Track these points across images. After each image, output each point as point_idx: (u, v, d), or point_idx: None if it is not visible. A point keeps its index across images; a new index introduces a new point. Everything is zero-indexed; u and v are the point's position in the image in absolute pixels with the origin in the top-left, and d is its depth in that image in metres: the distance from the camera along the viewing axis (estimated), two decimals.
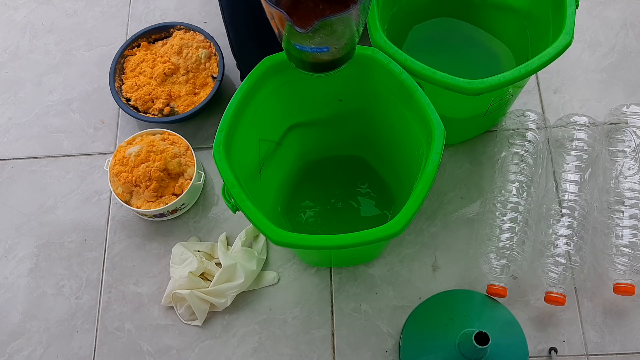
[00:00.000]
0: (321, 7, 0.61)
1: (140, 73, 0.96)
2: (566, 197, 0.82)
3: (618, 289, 0.78)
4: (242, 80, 0.70)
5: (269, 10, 0.56)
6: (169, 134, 0.92)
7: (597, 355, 0.80)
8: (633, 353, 0.80)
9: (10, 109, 1.02)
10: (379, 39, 0.71)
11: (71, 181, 0.96)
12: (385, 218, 0.87)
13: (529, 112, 0.87)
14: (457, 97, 0.70)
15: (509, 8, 0.86)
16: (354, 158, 0.90)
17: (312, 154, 0.88)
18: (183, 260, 0.86)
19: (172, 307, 0.86)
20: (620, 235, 0.79)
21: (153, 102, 0.95)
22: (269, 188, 0.82)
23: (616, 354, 0.80)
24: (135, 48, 0.99)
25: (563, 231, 0.80)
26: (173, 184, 0.88)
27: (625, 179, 0.82)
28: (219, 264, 0.86)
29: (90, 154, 0.98)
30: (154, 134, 0.92)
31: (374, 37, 0.71)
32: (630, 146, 0.84)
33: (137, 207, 0.87)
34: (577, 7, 0.71)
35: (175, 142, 0.91)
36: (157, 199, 0.87)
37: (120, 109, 0.97)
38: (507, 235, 0.80)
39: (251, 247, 0.88)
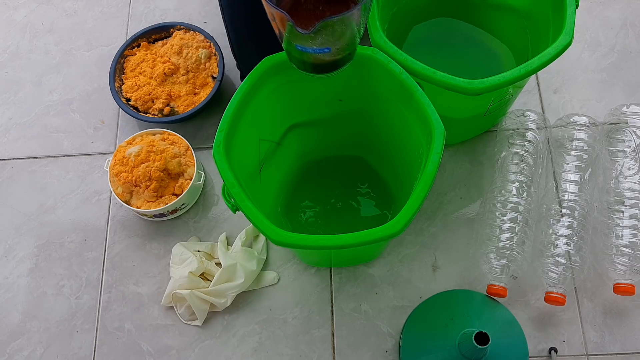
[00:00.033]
0: (321, 8, 0.61)
1: (140, 73, 0.96)
2: (566, 197, 0.82)
3: (618, 289, 0.78)
4: (242, 80, 0.70)
5: (271, 11, 0.56)
6: (169, 134, 0.92)
7: (597, 355, 0.80)
8: (633, 353, 0.80)
9: (10, 109, 1.02)
10: (379, 39, 0.71)
11: (71, 181, 0.96)
12: (385, 218, 0.87)
13: (529, 112, 0.87)
14: (457, 97, 0.70)
15: (509, 8, 0.86)
16: (354, 158, 0.90)
17: (312, 154, 0.88)
18: (183, 260, 0.86)
19: (172, 307, 0.86)
20: (620, 235, 0.79)
21: (153, 102, 0.95)
22: (269, 188, 0.82)
23: (616, 354, 0.80)
24: (135, 48, 0.99)
25: (563, 231, 0.80)
26: (173, 184, 0.88)
27: (625, 179, 0.82)
28: (219, 264, 0.86)
29: (90, 154, 0.98)
30: (154, 134, 0.92)
31: (374, 37, 0.71)
32: (630, 146, 0.84)
33: (137, 207, 0.87)
34: (577, 7, 0.71)
35: (175, 142, 0.91)
36: (157, 199, 0.87)
37: (120, 109, 0.97)
38: (507, 235, 0.80)
39: (251, 247, 0.88)
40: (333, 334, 0.83)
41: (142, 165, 0.86)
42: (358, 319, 0.84)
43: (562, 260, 0.79)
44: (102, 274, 0.89)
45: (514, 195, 0.82)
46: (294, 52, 0.62)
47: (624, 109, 0.87)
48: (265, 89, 0.70)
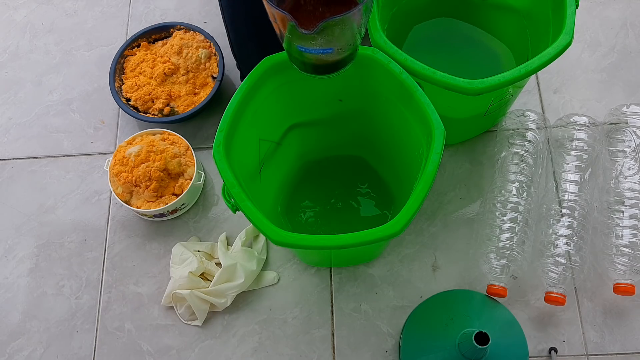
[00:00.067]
0: (320, 9, 0.61)
1: (140, 73, 0.96)
2: (566, 197, 0.82)
3: (618, 289, 0.78)
4: (242, 80, 0.70)
5: (272, 12, 0.56)
6: (169, 134, 0.92)
7: (597, 355, 0.80)
8: (633, 353, 0.80)
9: (10, 109, 1.02)
10: (379, 39, 0.71)
11: (71, 181, 0.96)
12: (385, 218, 0.87)
13: (529, 112, 0.87)
14: (457, 97, 0.70)
15: (509, 8, 0.86)
16: (354, 158, 0.90)
17: (312, 154, 0.88)
18: (183, 260, 0.86)
19: (172, 307, 0.86)
20: (620, 235, 0.79)
21: (153, 102, 0.95)
22: (269, 188, 0.82)
23: (616, 354, 0.80)
24: (135, 48, 0.99)
25: (563, 231, 0.80)
26: (173, 184, 0.88)
27: (625, 179, 0.82)
28: (219, 264, 0.86)
29: (90, 154, 0.98)
30: (154, 134, 0.92)
31: (374, 37, 0.71)
32: (630, 146, 0.84)
33: (137, 207, 0.87)
34: (577, 7, 0.71)
35: (175, 142, 0.91)
36: (157, 199, 0.87)
37: (120, 109, 0.97)
38: (507, 235, 0.80)
39: (251, 247, 0.88)
40: (333, 334, 0.83)
41: (142, 165, 0.86)
42: (358, 319, 0.84)
43: (562, 260, 0.79)
44: (102, 274, 0.89)
45: (514, 195, 0.82)
46: (295, 54, 0.62)
47: (624, 109, 0.87)
48: (265, 89, 0.70)
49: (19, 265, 0.91)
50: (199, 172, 0.89)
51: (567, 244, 0.79)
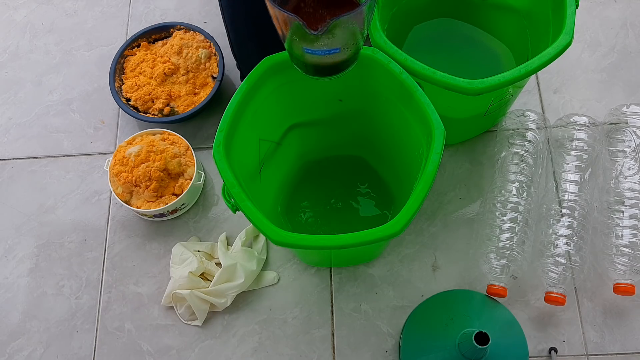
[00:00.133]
0: (320, 11, 0.61)
1: (140, 73, 0.96)
2: (566, 197, 0.82)
3: (618, 289, 0.78)
4: (242, 80, 0.70)
5: (276, 14, 0.56)
6: (169, 134, 0.92)
7: (597, 355, 0.80)
8: (633, 353, 0.80)
9: (10, 109, 1.02)
10: (379, 39, 0.71)
11: (71, 181, 0.96)
12: (385, 218, 0.87)
13: (529, 112, 0.87)
14: (457, 97, 0.70)
15: (509, 8, 0.86)
16: (354, 158, 0.90)
17: (312, 154, 0.88)
18: (183, 260, 0.86)
19: (172, 307, 0.86)
20: (620, 235, 0.79)
21: (153, 102, 0.95)
22: (269, 188, 0.82)
23: (616, 354, 0.80)
24: (135, 48, 0.99)
25: (563, 231, 0.80)
26: (173, 184, 0.88)
27: (625, 179, 0.82)
28: (219, 264, 0.86)
29: (90, 154, 0.98)
30: (154, 134, 0.92)
31: (374, 37, 0.71)
32: (630, 146, 0.84)
33: (137, 207, 0.87)
34: (577, 7, 0.71)
35: (175, 142, 0.91)
36: (157, 199, 0.87)
37: (120, 109, 0.97)
38: (507, 235, 0.80)
39: (251, 247, 0.88)
40: (333, 334, 0.83)
41: (142, 165, 0.86)
42: (358, 319, 0.84)
43: (562, 260, 0.79)
44: (102, 274, 0.89)
45: (514, 195, 0.82)
46: (299, 57, 0.62)
47: (624, 109, 0.87)
48: (265, 89, 0.70)
49: (19, 265, 0.91)
50: (199, 172, 0.89)
51: (567, 244, 0.79)
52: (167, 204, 0.86)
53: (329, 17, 0.60)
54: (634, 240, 0.79)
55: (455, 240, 0.87)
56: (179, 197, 0.86)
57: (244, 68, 0.89)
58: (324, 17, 0.61)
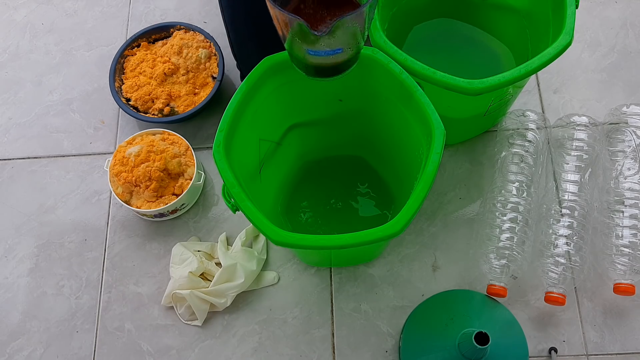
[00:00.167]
0: (320, 12, 0.61)
1: (140, 73, 0.96)
2: (566, 197, 0.82)
3: (618, 289, 0.78)
4: (242, 80, 0.70)
5: (278, 16, 0.56)
6: (169, 134, 0.92)
7: (597, 355, 0.80)
8: (633, 353, 0.80)
9: (10, 109, 1.02)
10: (379, 39, 0.71)
11: (71, 181, 0.96)
12: (385, 218, 0.87)
13: (529, 112, 0.87)
14: (457, 97, 0.70)
15: (509, 8, 0.86)
16: (354, 158, 0.90)
17: (312, 154, 0.88)
18: (183, 260, 0.86)
19: (172, 307, 0.86)
20: (620, 235, 0.79)
21: (153, 102, 0.95)
22: (269, 188, 0.82)
23: (616, 354, 0.80)
24: (135, 48, 0.99)
25: (563, 231, 0.80)
26: (173, 184, 0.88)
27: (625, 179, 0.82)
28: (219, 264, 0.86)
29: (90, 154, 0.98)
30: (154, 134, 0.92)
31: (374, 37, 0.71)
32: (630, 146, 0.84)
33: (137, 207, 0.87)
34: (577, 7, 0.71)
35: (175, 142, 0.91)
36: (157, 199, 0.87)
37: (120, 109, 0.97)
38: (507, 235, 0.80)
39: (251, 247, 0.88)
40: (333, 334, 0.83)
41: (142, 165, 0.86)
42: (358, 319, 0.84)
43: (562, 260, 0.79)
44: (102, 274, 0.89)
45: (514, 195, 0.82)
46: (301, 58, 0.61)
47: (624, 109, 0.87)
48: (265, 89, 0.70)
49: (19, 265, 0.91)
50: (199, 172, 0.89)
51: (567, 244, 0.79)
52: (167, 204, 0.86)
53: (330, 17, 0.61)
54: (634, 240, 0.79)
55: (455, 240, 0.87)
56: (179, 197, 0.86)
57: (244, 68, 0.89)
58: (325, 18, 0.61)
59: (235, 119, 0.67)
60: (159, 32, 0.99)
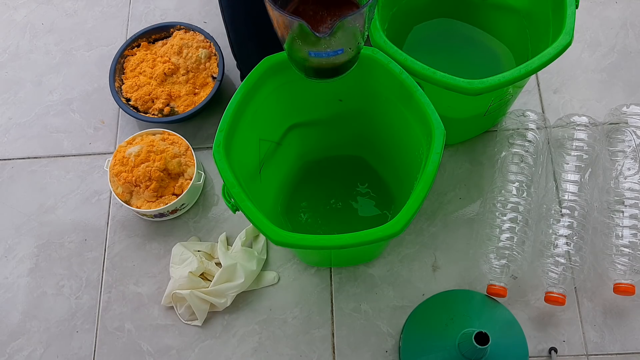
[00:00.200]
0: (320, 13, 0.61)
1: (140, 73, 0.96)
2: (566, 197, 0.82)
3: (618, 289, 0.78)
4: (242, 80, 0.70)
5: (277, 17, 0.56)
6: (169, 134, 0.92)
7: (597, 355, 0.80)
8: (633, 353, 0.80)
9: (10, 109, 1.02)
10: (379, 39, 0.71)
11: (71, 181, 0.96)
12: (385, 218, 0.87)
13: (529, 112, 0.87)
14: (457, 97, 0.70)
15: (508, 8, 0.86)
16: (354, 158, 0.90)
17: (312, 154, 0.88)
18: (183, 260, 0.86)
19: (172, 307, 0.86)
20: (620, 235, 0.79)
21: (153, 102, 0.95)
22: (269, 188, 0.82)
23: (616, 354, 0.80)
24: (135, 48, 0.99)
25: (563, 231, 0.80)
26: (173, 184, 0.88)
27: (625, 179, 0.82)
28: (219, 264, 0.86)
29: (90, 154, 0.98)
30: (154, 134, 0.92)
31: (374, 37, 0.71)
32: (630, 146, 0.84)
33: (137, 207, 0.87)
34: (577, 7, 0.71)
35: (175, 142, 0.91)
36: (157, 199, 0.87)
37: (120, 109, 0.97)
38: (507, 235, 0.80)
39: (251, 247, 0.88)
40: (333, 334, 0.83)
41: (142, 165, 0.86)
42: (358, 319, 0.84)
43: (562, 260, 0.79)
44: (102, 274, 0.89)
45: (514, 195, 0.82)
46: (301, 60, 0.61)
47: (624, 109, 0.87)
48: (265, 89, 0.70)
49: (19, 265, 0.91)
50: (199, 172, 0.89)
51: (567, 244, 0.79)
52: (167, 204, 0.86)
53: (330, 17, 0.61)
54: (634, 240, 0.79)
55: (455, 240, 0.87)
56: (179, 197, 0.86)
57: (244, 68, 0.89)
58: (325, 19, 0.61)
59: (235, 119, 0.67)
60: (159, 32, 0.99)
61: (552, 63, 0.69)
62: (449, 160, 0.92)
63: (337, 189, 0.89)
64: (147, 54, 0.98)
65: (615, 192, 0.82)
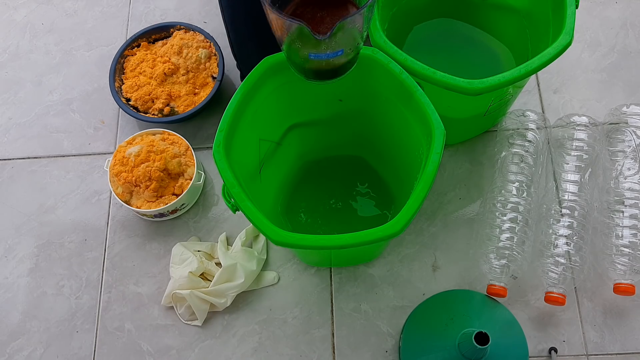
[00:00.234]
0: (319, 15, 0.61)
1: (140, 73, 0.96)
2: (566, 197, 0.82)
3: (618, 289, 0.78)
4: (242, 80, 0.70)
5: (275, 19, 0.56)
6: (169, 134, 0.92)
7: (597, 355, 0.80)
8: (633, 353, 0.80)
9: (10, 109, 1.02)
10: (379, 39, 0.71)
11: (71, 181, 0.96)
12: (385, 218, 0.87)
13: (529, 112, 0.87)
14: (457, 97, 0.70)
15: (508, 8, 0.87)
16: (354, 158, 0.90)
17: (312, 154, 0.88)
18: (183, 260, 0.86)
19: (172, 307, 0.86)
20: (620, 235, 0.79)
21: (153, 102, 0.95)
22: (269, 188, 0.82)
23: (616, 354, 0.80)
24: (135, 48, 0.99)
25: (563, 231, 0.80)
26: (173, 184, 0.88)
27: (625, 179, 0.82)
28: (219, 264, 0.86)
29: (90, 154, 0.98)
30: (154, 134, 0.92)
31: (374, 37, 0.71)
32: (630, 146, 0.84)
33: (137, 207, 0.87)
34: (577, 7, 0.71)
35: (175, 142, 0.91)
36: (157, 199, 0.87)
37: (120, 109, 0.97)
38: (507, 235, 0.80)
39: (251, 247, 0.88)
40: (333, 334, 0.83)
41: (142, 165, 0.86)
42: (358, 319, 0.84)
43: (562, 260, 0.79)
44: (102, 274, 0.89)
45: (514, 195, 0.82)
46: (300, 62, 0.61)
47: (624, 109, 0.87)
48: (265, 89, 0.70)
49: (19, 265, 0.91)
50: (199, 172, 0.89)
51: (567, 244, 0.79)
52: (167, 204, 0.86)
53: (329, 18, 0.61)
54: (634, 240, 0.79)
55: (455, 240, 0.87)
56: (179, 197, 0.86)
57: (244, 68, 0.89)
58: (324, 19, 0.61)
59: (235, 119, 0.67)
60: (159, 32, 0.99)
61: (552, 63, 0.69)
62: (449, 160, 0.92)
63: (337, 189, 0.89)
64: (147, 54, 0.98)
65: (615, 192, 0.82)
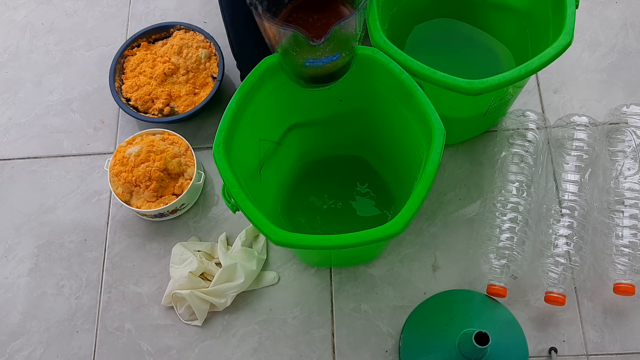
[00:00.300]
0: (310, 20, 0.61)
1: (140, 73, 0.96)
2: (566, 197, 0.82)
3: (618, 289, 0.78)
4: (242, 80, 0.70)
5: (268, 27, 0.55)
6: (169, 134, 0.92)
7: (597, 355, 0.80)
8: (633, 353, 0.80)
9: (10, 109, 1.02)
10: (379, 39, 0.71)
11: (71, 181, 0.96)
12: (385, 218, 0.87)
13: (529, 112, 0.87)
14: (457, 97, 0.70)
15: (508, 8, 0.86)
16: (354, 158, 0.90)
17: (312, 154, 0.88)
18: (183, 260, 0.86)
19: (172, 307, 0.86)
20: (620, 235, 0.79)
21: (153, 102, 0.95)
22: (269, 188, 0.82)
23: (616, 354, 0.80)
24: (135, 48, 0.99)
25: (563, 231, 0.80)
26: (173, 184, 0.88)
27: (625, 179, 0.82)
28: (219, 264, 0.86)
29: (90, 154, 0.98)
30: (154, 134, 0.92)
31: (374, 37, 0.71)
32: (630, 146, 0.84)
33: (137, 207, 0.87)
34: (577, 7, 0.71)
35: (175, 142, 0.91)
36: (157, 199, 0.87)
37: (120, 109, 0.97)
38: (507, 235, 0.80)
39: (251, 247, 0.88)
40: (333, 334, 0.83)
41: (142, 165, 0.86)
42: (358, 319, 0.84)
43: (562, 260, 0.79)
44: (102, 274, 0.89)
45: (514, 195, 0.82)
46: (296, 69, 0.61)
47: (624, 109, 0.87)
48: (265, 89, 0.70)
49: (19, 265, 0.91)
50: (199, 172, 0.89)
51: (567, 244, 0.79)
52: (167, 204, 0.86)
53: (321, 22, 0.60)
54: (634, 240, 0.79)
55: (455, 240, 0.87)
56: (179, 197, 0.86)
57: (244, 68, 0.89)
58: (316, 24, 0.61)
59: (235, 119, 0.67)
60: (159, 32, 0.99)
61: (552, 63, 0.69)
62: (449, 160, 0.92)
63: (337, 189, 0.89)
64: (147, 54, 0.98)
65: (615, 192, 0.82)
